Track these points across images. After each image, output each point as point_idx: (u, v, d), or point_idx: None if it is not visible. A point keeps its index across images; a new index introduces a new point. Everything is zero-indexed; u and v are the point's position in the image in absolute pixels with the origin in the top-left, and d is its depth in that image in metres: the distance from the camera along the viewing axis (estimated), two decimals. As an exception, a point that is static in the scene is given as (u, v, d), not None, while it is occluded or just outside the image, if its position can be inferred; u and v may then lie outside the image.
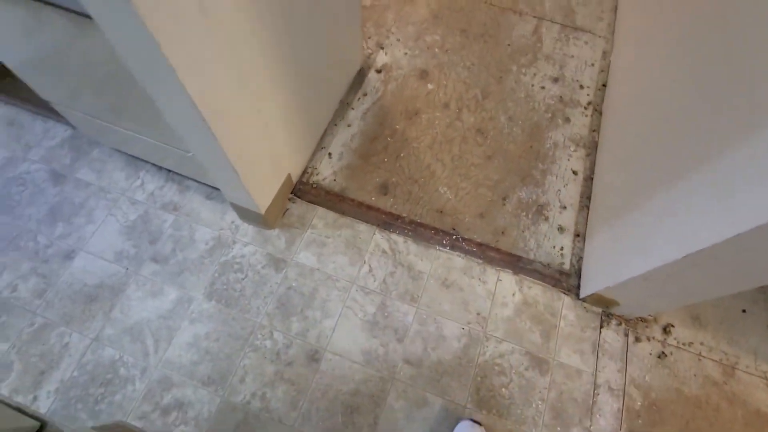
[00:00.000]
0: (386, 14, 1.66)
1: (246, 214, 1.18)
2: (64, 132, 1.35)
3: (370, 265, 1.20)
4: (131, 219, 1.22)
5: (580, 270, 1.22)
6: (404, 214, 1.28)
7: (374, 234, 1.24)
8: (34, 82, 0.99)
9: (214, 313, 1.11)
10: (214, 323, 1.10)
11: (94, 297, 1.12)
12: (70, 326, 1.09)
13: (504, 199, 1.32)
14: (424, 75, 1.53)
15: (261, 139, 0.95)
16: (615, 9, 1.73)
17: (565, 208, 1.32)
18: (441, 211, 1.29)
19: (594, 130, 1.45)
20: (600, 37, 1.66)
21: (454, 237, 1.25)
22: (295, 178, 1.28)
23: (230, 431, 1.00)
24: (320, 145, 1.37)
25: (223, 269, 1.17)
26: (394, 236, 1.24)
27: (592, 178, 1.36)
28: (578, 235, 1.28)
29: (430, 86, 1.51)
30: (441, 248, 1.23)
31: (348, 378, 1.06)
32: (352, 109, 1.44)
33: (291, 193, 1.28)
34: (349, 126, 1.41)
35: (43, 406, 1.01)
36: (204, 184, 1.27)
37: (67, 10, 0.62)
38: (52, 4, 0.62)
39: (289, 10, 0.84)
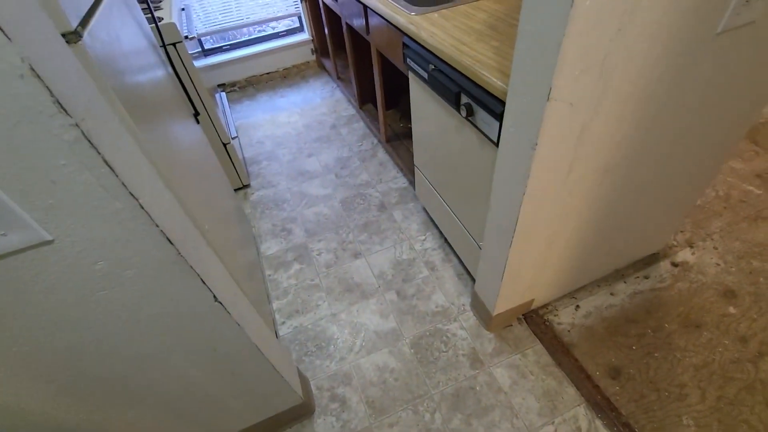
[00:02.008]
0: (714, 220, 1.56)
1: (478, 306, 1.33)
2: (403, 183, 1.92)
3: (556, 429, 1.11)
4: (403, 258, 1.59)
5: None
6: (623, 412, 1.12)
7: (579, 406, 1.15)
8: (418, 150, 1.49)
9: (407, 359, 1.29)
10: (402, 366, 1.28)
11: (351, 289, 1.51)
12: (328, 297, 1.50)
13: (779, 496, 0.96)
14: (729, 294, 1.33)
15: (536, 262, 1.10)
16: None
17: None
18: (673, 442, 1.06)
19: None
20: None
21: (676, 482, 1.00)
22: (534, 305, 1.36)
23: (360, 456, 1.11)
24: (572, 295, 1.40)
25: (434, 333, 1.35)
26: (598, 423, 1.11)
27: None
28: None
29: (731, 310, 1.30)
30: (650, 479, 1.01)
31: None
32: (624, 282, 1.41)
33: (522, 314, 1.36)
34: (612, 295, 1.38)
35: (283, 330, 1.42)
36: (463, 265, 1.52)
37: (484, 134, 0.97)
38: (477, 128, 0.98)
39: (628, 186, 0.98)
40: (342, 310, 1.45)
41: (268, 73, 2.92)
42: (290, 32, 2.93)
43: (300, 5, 2.77)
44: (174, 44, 1.47)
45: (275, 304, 1.51)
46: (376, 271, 1.56)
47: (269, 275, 1.61)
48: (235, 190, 2.01)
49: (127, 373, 0.72)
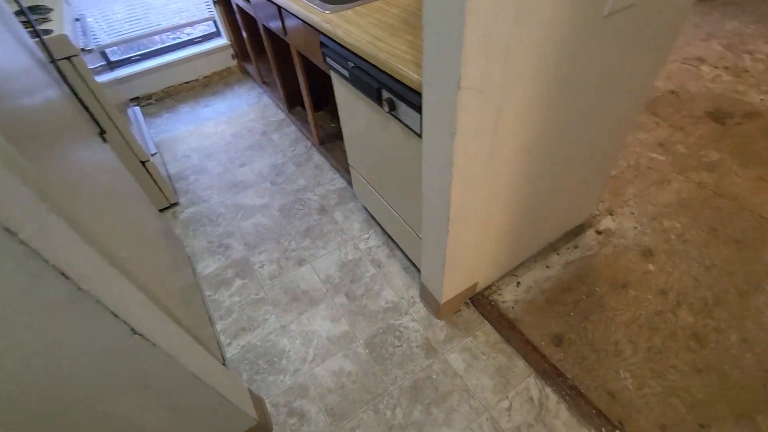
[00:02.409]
0: (628, 187, 1.71)
1: (427, 297, 1.35)
2: (341, 184, 1.89)
3: (511, 403, 1.15)
4: (348, 258, 1.57)
5: None
6: (569, 376, 1.20)
7: (529, 377, 1.20)
8: (351, 149, 1.48)
9: (363, 360, 1.28)
10: (359, 368, 1.26)
11: (299, 298, 1.46)
12: (275, 309, 1.44)
13: (702, 426, 1.08)
14: (647, 254, 1.47)
15: (472, 247, 1.13)
16: None
17: (799, 490, 0.97)
18: (612, 396, 1.15)
19: None
20: None
21: (619, 432, 1.08)
22: (479, 288, 1.40)
23: (325, 467, 1.08)
24: (513, 272, 1.46)
25: (387, 329, 1.35)
26: (548, 390, 1.17)
27: None
28: None
29: (651, 266, 1.43)
30: (597, 434, 1.08)
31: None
32: (558, 254, 1.50)
33: (469, 298, 1.40)
34: (547, 267, 1.47)
35: (231, 351, 1.34)
36: (407, 258, 1.53)
37: (408, 127, 0.97)
38: (401, 122, 0.99)
39: (548, 164, 1.04)
40: (291, 320, 1.41)
41: (187, 83, 2.75)
42: (207, 38, 2.78)
43: (213, 9, 2.64)
44: (69, 58, 1.33)
45: (219, 325, 1.43)
46: (323, 276, 1.53)
47: (209, 296, 1.52)
48: (161, 210, 1.87)
49: (55, 422, 0.63)
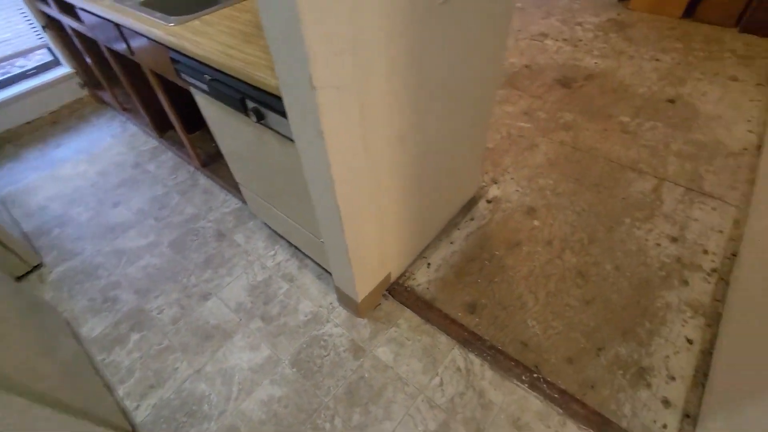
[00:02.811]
0: (505, 156, 1.89)
1: (344, 299, 1.34)
2: (236, 204, 1.78)
3: (441, 378, 1.20)
4: (258, 280, 1.49)
5: (688, 461, 1.03)
6: (486, 338, 1.29)
7: (453, 349, 1.26)
8: (234, 167, 1.39)
9: (292, 380, 1.22)
10: (289, 389, 1.21)
11: (211, 335, 1.35)
12: (185, 354, 1.31)
13: (599, 350, 1.24)
14: (531, 212, 1.64)
15: (376, 240, 1.15)
16: (752, 181, 1.66)
17: (673, 379, 1.17)
18: (525, 345, 1.26)
19: (718, 300, 1.32)
20: (731, 206, 1.59)
21: (535, 375, 1.19)
22: (393, 278, 1.43)
23: (271, 504, 1.01)
24: (422, 255, 1.52)
25: (311, 342, 1.31)
26: (472, 356, 1.25)
27: (712, 353, 1.20)
28: (688, 416, 1.10)
29: (535, 222, 1.60)
30: (518, 383, 1.18)
31: (393, 492, 1.01)
32: (458, 229, 1.60)
33: (386, 290, 1.42)
34: (451, 243, 1.55)
35: (140, 415, 1.19)
36: (319, 265, 1.50)
37: (281, 134, 0.94)
38: (274, 130, 0.95)
39: (426, 147, 1.08)
40: (205, 362, 1.29)
41: (29, 123, 2.34)
42: (44, 68, 2.39)
43: (44, 35, 2.28)
44: None
45: (122, 390, 1.25)
46: (233, 304, 1.43)
47: (103, 360, 1.32)
48: (20, 277, 1.58)
49: None
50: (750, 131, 1.91)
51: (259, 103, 0.90)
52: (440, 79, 0.97)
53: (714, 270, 1.40)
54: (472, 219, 1.63)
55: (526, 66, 2.48)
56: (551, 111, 2.12)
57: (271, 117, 0.89)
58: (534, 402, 1.14)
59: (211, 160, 1.85)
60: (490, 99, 1.34)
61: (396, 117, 0.90)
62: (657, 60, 2.43)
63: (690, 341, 1.24)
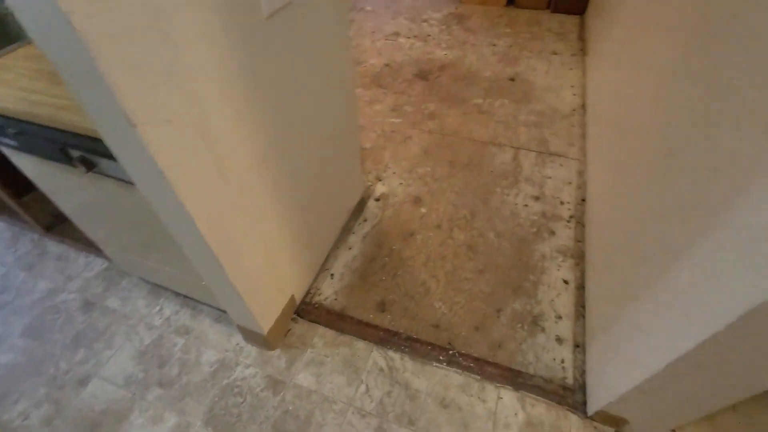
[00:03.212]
0: (383, 153, 1.96)
1: (250, 336, 1.26)
2: (101, 265, 1.54)
3: (367, 385, 1.20)
4: (145, 343, 1.31)
5: (584, 384, 1.18)
6: (401, 331, 1.32)
7: (372, 351, 1.27)
8: (84, 225, 1.20)
9: (209, 441, 1.11)
10: (208, 452, 1.09)
11: (98, 424, 1.15)
12: (69, 457, 1.10)
13: (498, 311, 1.36)
14: (417, 201, 1.72)
15: (265, 267, 1.09)
16: (584, 136, 1.98)
17: (560, 318, 1.33)
18: (437, 326, 1.32)
19: (579, 241, 1.54)
20: (573, 159, 1.87)
21: (451, 352, 1.26)
22: (298, 299, 1.38)
23: None
24: (324, 267, 1.50)
25: (223, 393, 1.20)
26: (391, 353, 1.26)
27: (584, 287, 1.40)
28: (578, 346, 1.26)
29: (423, 210, 1.68)
30: (438, 364, 1.23)
31: None
32: (353, 233, 1.61)
33: (294, 313, 1.37)
34: (350, 249, 1.56)
35: None
36: (215, 307, 1.38)
37: (118, 179, 0.83)
38: (110, 176, 0.83)
39: (294, 164, 1.06)
40: (98, 456, 1.10)
41: None
42: None
43: None
44: None
45: None
46: (120, 380, 1.24)
47: (-48, 503, 1.04)
48: None
49: None
50: (575, 95, 2.27)
51: (84, 150, 0.78)
52: (289, 93, 0.96)
53: (571, 216, 1.63)
54: (365, 220, 1.65)
55: (386, 65, 2.61)
56: (416, 104, 2.26)
57: (104, 163, 0.79)
58: (454, 377, 1.21)
59: (58, 221, 1.58)
60: (352, 102, 1.36)
61: (249, 138, 0.86)
62: (494, 45, 2.75)
63: (566, 282, 1.42)
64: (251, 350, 1.29)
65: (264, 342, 1.24)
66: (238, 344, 1.30)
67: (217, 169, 0.78)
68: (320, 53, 1.05)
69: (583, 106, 2.17)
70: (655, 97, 1.18)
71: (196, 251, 0.87)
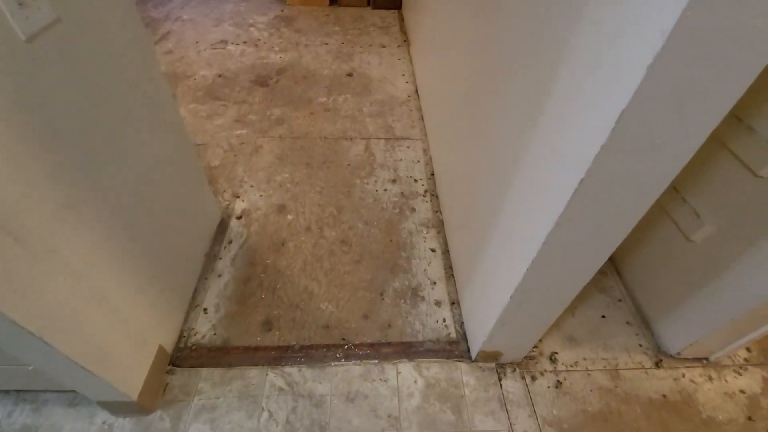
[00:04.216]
0: (236, 168, 1.85)
1: (118, 408, 1.08)
2: None
3: (269, 411, 1.14)
4: (-33, 469, 1.02)
5: (465, 334, 1.33)
6: (293, 343, 1.29)
7: (267, 374, 1.21)
8: None
9: None
10: None
11: None
12: None
13: (381, 294, 1.43)
14: (282, 209, 1.68)
15: (112, 326, 0.94)
16: (422, 118, 2.19)
17: (435, 283, 1.46)
18: (327, 327, 1.33)
19: (437, 211, 1.71)
20: (417, 140, 2.05)
21: (346, 347, 1.28)
22: (170, 347, 1.23)
23: None
24: (193, 304, 1.36)
25: (98, 484, 1.01)
26: (287, 369, 1.23)
27: (449, 251, 1.56)
28: (454, 303, 1.41)
29: (289, 217, 1.65)
30: (336, 363, 1.24)
31: None
32: (220, 259, 1.49)
33: (169, 364, 1.22)
34: (219, 276, 1.44)
35: None
36: (63, 391, 1.14)
37: None
38: None
39: (119, 201, 0.92)
40: None
41: None
42: None
43: None
44: None
45: None
46: None
47: None
48: None
49: None
50: (407, 82, 2.48)
51: None
52: (85, 125, 0.83)
53: (426, 191, 1.80)
54: (230, 242, 1.55)
55: (219, 75, 2.45)
56: (260, 111, 2.19)
57: None
58: (355, 369, 1.23)
59: None
60: (176, 122, 1.25)
61: (46, 186, 0.72)
62: (326, 44, 2.81)
63: (433, 250, 1.57)
64: (124, 423, 1.10)
65: (138, 408, 1.08)
66: (105, 422, 1.10)
67: (3, 229, 0.64)
68: (112, 73, 0.92)
69: (416, 91, 2.39)
70: (458, 70, 1.36)
71: (10, 335, 0.70)
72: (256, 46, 2.77)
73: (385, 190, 1.78)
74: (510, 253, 0.93)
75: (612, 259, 1.55)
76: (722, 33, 0.44)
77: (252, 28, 2.97)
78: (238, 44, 2.77)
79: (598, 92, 0.58)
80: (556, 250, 0.77)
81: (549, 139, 0.74)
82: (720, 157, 1.06)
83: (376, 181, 1.82)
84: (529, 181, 0.82)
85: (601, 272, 1.43)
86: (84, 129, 0.82)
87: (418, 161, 1.93)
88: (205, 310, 1.35)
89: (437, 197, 1.77)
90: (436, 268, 1.51)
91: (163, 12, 3.11)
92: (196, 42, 2.77)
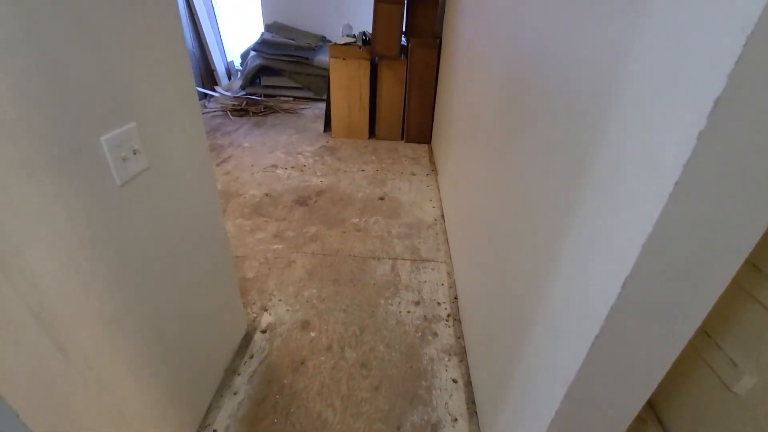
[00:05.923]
0: (268, 281, 1.96)
1: None
2: None
3: None
4: None
5: (489, 488, 1.18)
6: (299, 479, 1.19)
7: None
8: None
9: None
10: None
11: None
12: None
13: (399, 428, 1.34)
14: (306, 325, 1.71)
15: (122, 443, 0.93)
16: (447, 240, 2.29)
17: (456, 420, 1.37)
18: (338, 463, 1.23)
19: (459, 337, 1.67)
20: (442, 262, 2.12)
21: (355, 491, 1.17)
22: (172, 473, 1.17)
23: None
24: (204, 424, 1.32)
25: None
26: None
27: (471, 382, 1.48)
28: (476, 447, 1.29)
29: (312, 334, 1.67)
30: None
31: None
32: (239, 375, 1.49)
33: (167, 493, 1.14)
34: (235, 394, 1.42)
35: None
36: None
37: None
38: None
39: (158, 318, 1.00)
40: None
41: None
42: None
43: None
44: None
45: None
46: None
47: None
48: None
49: None
50: (434, 207, 2.67)
51: None
52: (151, 248, 0.96)
53: (449, 315, 1.79)
54: (251, 357, 1.56)
55: (266, 194, 2.75)
56: (297, 228, 2.38)
57: None
58: None
59: None
60: (223, 238, 1.39)
61: (102, 302, 0.82)
62: (363, 170, 3.15)
63: (455, 381, 1.50)
64: None
65: None
66: None
67: (53, 342, 0.71)
68: (184, 204, 1.09)
69: (442, 216, 2.55)
70: (478, 204, 1.48)
71: (24, 449, 0.72)
72: (302, 170, 3.13)
73: (409, 312, 1.80)
74: (534, 397, 0.90)
75: (652, 405, 1.41)
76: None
77: (300, 156, 3.41)
78: (286, 168, 3.16)
79: (598, 267, 0.64)
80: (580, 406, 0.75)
81: (564, 293, 0.78)
82: (748, 307, 1.04)
83: (400, 302, 1.84)
84: (547, 325, 0.84)
85: (640, 419, 1.29)
86: (148, 252, 0.95)
87: (442, 284, 1.97)
88: (215, 431, 1.30)
89: (460, 322, 1.75)
90: (457, 402, 1.42)
91: (228, 140, 3.66)
92: (252, 165, 3.19)
